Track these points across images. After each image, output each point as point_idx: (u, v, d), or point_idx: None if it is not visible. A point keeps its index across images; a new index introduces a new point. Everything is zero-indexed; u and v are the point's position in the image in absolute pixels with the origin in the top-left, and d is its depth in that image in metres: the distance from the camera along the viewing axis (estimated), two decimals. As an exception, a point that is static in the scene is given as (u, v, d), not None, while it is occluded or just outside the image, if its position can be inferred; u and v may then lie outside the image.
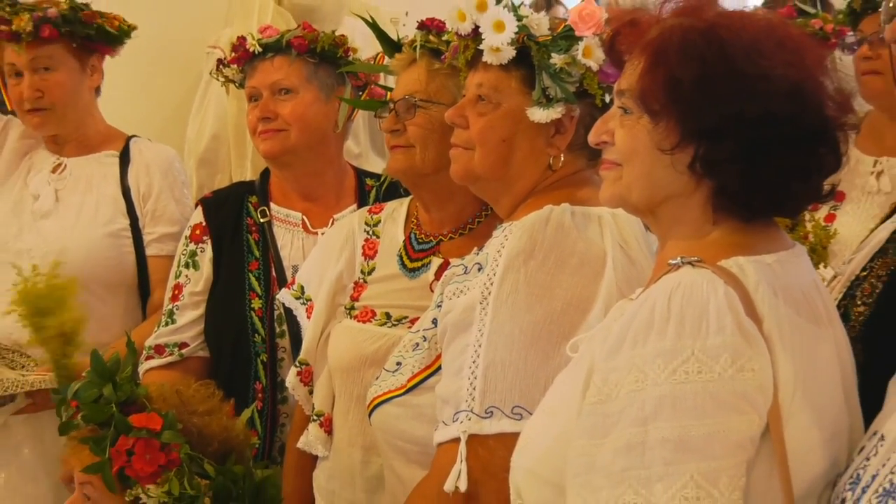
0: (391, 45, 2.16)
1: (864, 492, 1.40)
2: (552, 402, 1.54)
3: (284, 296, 2.24)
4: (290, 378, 2.16)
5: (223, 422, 1.84)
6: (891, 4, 1.71)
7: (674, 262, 1.41)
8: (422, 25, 2.04)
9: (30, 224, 2.67)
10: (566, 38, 1.77)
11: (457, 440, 1.64)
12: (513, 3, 1.79)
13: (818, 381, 1.44)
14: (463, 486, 1.62)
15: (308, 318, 2.17)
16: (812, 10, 2.63)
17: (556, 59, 1.75)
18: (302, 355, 2.15)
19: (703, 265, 1.39)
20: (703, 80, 1.39)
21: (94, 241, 2.61)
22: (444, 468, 1.65)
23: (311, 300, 2.18)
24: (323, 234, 2.41)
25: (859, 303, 1.75)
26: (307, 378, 2.15)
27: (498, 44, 1.75)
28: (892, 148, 2.71)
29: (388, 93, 2.19)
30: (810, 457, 1.41)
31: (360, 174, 2.57)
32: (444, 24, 2.00)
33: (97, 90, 2.78)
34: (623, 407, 1.34)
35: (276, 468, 2.09)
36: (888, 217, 1.90)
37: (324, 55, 2.42)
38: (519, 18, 1.76)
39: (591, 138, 1.53)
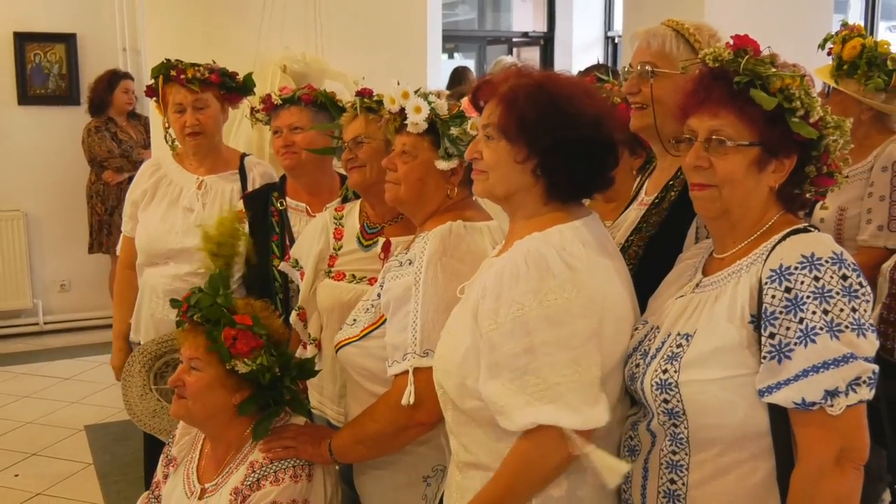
0: (337, 110, 2.92)
1: (653, 357, 1.73)
2: (452, 327, 1.93)
3: (284, 266, 2.86)
4: (292, 317, 2.74)
5: (275, 322, 2.36)
6: (626, 71, 2.07)
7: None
8: (359, 93, 2.64)
9: (188, 230, 3.30)
10: (460, 117, 2.25)
11: (406, 372, 2.09)
12: (425, 93, 2.28)
13: (618, 295, 1.80)
14: (412, 401, 2.07)
15: (301, 279, 2.74)
16: (606, 78, 3.21)
17: (454, 130, 2.22)
18: (299, 303, 2.74)
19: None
20: (541, 118, 1.76)
21: None
22: (400, 389, 2.10)
23: (302, 268, 2.75)
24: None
25: (628, 263, 2.00)
26: (303, 317, 2.73)
27: (417, 120, 2.26)
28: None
29: (338, 140, 2.76)
30: (615, 341, 1.78)
31: (343, 178, 3.08)
32: (372, 91, 2.62)
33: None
34: (513, 328, 1.68)
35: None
36: (628, 206, 2.28)
37: (321, 105, 3.13)
38: (430, 103, 2.26)
39: (467, 156, 1.91)
